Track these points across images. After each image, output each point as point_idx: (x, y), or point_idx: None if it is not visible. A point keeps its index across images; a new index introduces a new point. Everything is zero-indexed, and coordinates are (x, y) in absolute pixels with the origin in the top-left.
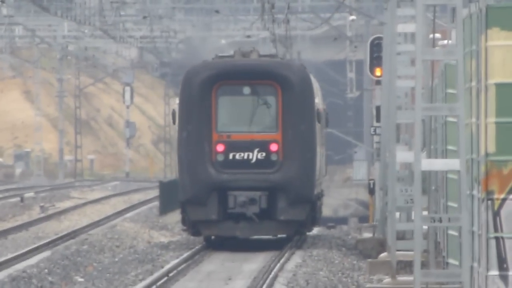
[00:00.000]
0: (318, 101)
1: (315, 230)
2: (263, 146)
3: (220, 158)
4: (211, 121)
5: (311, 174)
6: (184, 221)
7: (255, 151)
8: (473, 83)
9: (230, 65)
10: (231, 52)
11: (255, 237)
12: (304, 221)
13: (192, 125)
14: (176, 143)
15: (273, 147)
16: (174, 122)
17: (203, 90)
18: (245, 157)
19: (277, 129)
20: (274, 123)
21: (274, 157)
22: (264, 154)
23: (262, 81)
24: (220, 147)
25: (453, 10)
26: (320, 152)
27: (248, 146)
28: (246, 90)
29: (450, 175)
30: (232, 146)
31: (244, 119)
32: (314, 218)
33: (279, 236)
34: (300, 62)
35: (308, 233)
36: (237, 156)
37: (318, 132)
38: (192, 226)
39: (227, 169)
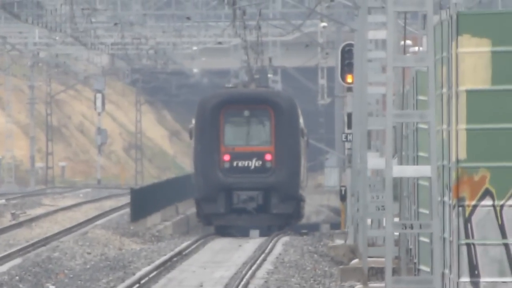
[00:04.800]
0: (301, 121)
1: (287, 237)
2: (260, 156)
3: (227, 165)
4: (219, 136)
5: (296, 177)
6: (198, 214)
7: (254, 160)
8: (444, 90)
9: (234, 94)
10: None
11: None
12: (291, 214)
13: (205, 140)
14: (192, 154)
15: (268, 156)
16: (190, 138)
17: (213, 113)
18: (246, 164)
19: (271, 143)
20: (268, 138)
21: (268, 165)
22: (260, 162)
23: (259, 106)
24: (226, 157)
25: (424, 17)
26: (303, 163)
27: (248, 156)
28: (246, 113)
29: (421, 182)
30: (236, 156)
31: (245, 135)
32: (299, 213)
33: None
34: (288, 93)
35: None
36: (240, 164)
37: (302, 145)
38: (205, 218)
39: (232, 174)
